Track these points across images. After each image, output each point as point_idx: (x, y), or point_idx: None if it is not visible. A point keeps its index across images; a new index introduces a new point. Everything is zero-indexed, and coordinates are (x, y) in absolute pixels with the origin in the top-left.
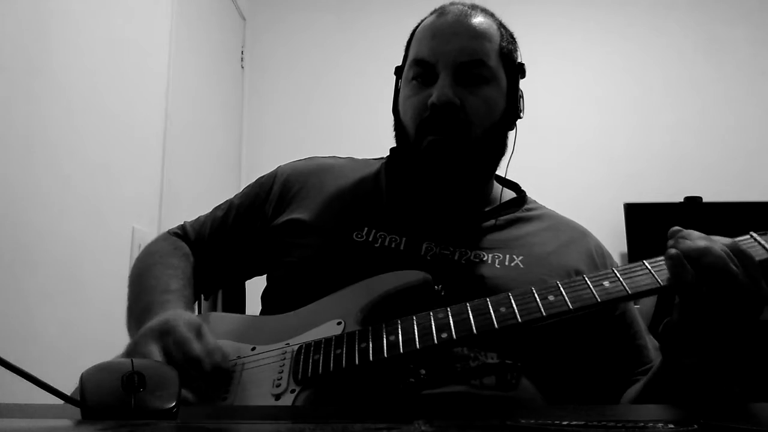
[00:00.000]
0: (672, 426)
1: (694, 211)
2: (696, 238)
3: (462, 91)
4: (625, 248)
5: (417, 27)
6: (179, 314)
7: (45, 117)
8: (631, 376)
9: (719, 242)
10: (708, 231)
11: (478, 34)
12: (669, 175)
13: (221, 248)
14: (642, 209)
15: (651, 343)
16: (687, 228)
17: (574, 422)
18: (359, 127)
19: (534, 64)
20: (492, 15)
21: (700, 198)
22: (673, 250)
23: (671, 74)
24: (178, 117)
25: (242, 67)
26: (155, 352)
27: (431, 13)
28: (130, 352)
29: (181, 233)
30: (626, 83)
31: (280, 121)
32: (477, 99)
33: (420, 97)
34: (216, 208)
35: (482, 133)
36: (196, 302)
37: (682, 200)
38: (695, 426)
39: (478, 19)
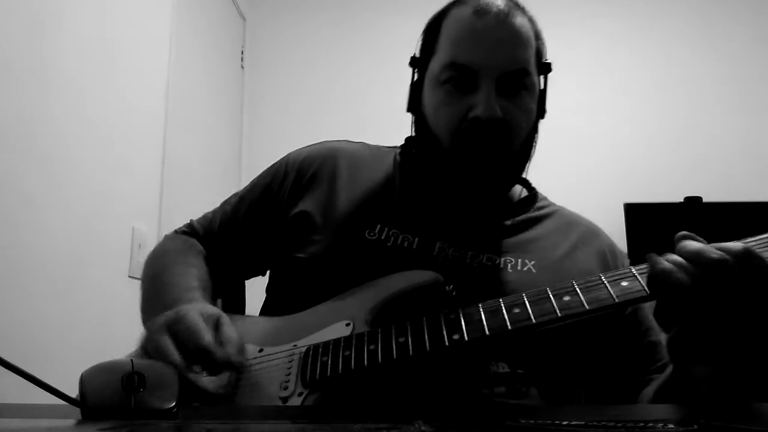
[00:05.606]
0: (672, 426)
1: (694, 211)
2: (694, 243)
3: (504, 102)
4: (625, 248)
5: (443, 17)
6: (195, 306)
7: (44, 117)
8: (645, 375)
9: (725, 247)
10: (708, 231)
11: (522, 41)
12: (669, 175)
13: (232, 242)
14: (642, 209)
15: (664, 339)
16: (688, 229)
17: (574, 422)
18: (360, 127)
19: None
20: (524, 9)
21: (700, 198)
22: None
23: (671, 74)
24: (178, 117)
25: (242, 67)
26: (167, 343)
27: (461, 4)
28: (145, 344)
29: (189, 231)
30: (626, 84)
31: (280, 121)
32: (518, 110)
33: (458, 106)
34: (224, 203)
35: (520, 144)
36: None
37: (682, 200)
38: (695, 426)
39: (518, 20)
